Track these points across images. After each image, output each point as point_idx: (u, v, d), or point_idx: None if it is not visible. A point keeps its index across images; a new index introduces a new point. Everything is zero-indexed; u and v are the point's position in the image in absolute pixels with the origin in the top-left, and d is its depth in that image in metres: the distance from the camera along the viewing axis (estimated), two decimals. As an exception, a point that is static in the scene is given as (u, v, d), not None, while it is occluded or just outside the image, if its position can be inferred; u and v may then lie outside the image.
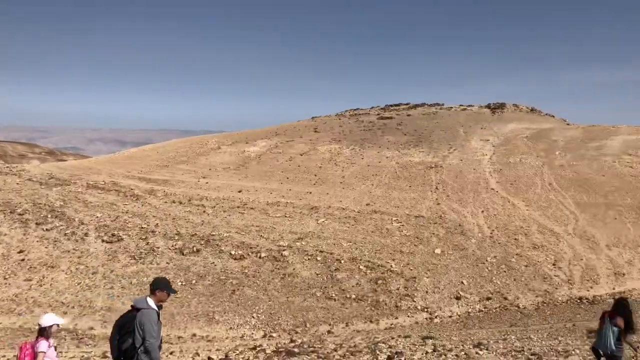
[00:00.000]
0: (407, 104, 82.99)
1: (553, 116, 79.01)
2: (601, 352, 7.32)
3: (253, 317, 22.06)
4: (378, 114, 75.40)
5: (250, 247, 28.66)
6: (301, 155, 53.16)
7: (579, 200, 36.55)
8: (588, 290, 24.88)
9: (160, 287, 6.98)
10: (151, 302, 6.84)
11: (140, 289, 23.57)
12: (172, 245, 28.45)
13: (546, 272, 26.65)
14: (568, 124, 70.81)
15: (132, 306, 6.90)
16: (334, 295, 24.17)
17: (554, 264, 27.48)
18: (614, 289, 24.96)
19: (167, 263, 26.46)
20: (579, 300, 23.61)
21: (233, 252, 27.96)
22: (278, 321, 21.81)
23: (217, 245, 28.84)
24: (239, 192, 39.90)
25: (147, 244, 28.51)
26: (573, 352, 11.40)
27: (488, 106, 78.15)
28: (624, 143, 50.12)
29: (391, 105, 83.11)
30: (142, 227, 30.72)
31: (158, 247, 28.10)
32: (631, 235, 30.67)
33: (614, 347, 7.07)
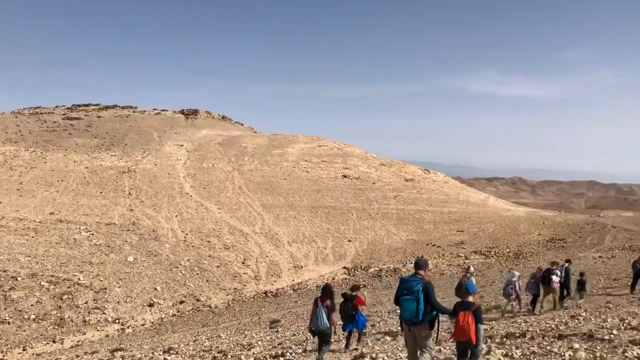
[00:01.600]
0: (97, 105, 78.39)
1: (242, 124, 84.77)
2: (314, 330, 8.43)
3: None
4: (64, 114, 69.26)
5: None
6: (-35, 158, 45.10)
7: (265, 202, 39.88)
8: (272, 284, 27.28)
9: None
10: None
11: None
12: None
13: (236, 271, 28.23)
14: (255, 132, 76.83)
15: None
16: (8, 317, 21.07)
17: (243, 262, 29.30)
18: (293, 280, 27.94)
19: None
20: (264, 294, 25.68)
21: None
22: None
23: None
24: None
25: None
26: (256, 344, 12.23)
27: (182, 112, 79.34)
28: (301, 150, 56.70)
29: (79, 105, 77.35)
30: None
31: None
32: (307, 232, 34.82)
33: (327, 324, 8.21)
